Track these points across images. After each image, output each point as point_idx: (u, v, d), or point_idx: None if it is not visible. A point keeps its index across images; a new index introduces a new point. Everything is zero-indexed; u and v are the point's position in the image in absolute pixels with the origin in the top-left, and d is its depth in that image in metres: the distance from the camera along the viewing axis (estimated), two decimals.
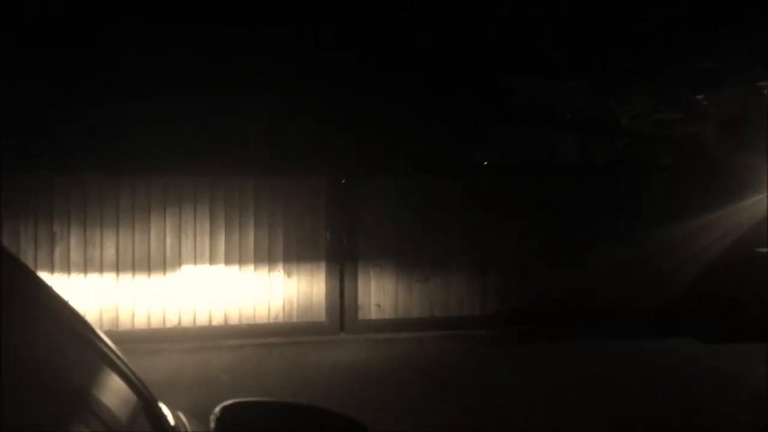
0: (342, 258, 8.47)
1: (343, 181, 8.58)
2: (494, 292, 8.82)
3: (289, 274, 8.38)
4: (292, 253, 8.37)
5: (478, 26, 8.98)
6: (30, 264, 7.56)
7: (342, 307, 8.49)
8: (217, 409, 2.14)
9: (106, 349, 2.14)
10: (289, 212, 8.38)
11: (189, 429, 2.27)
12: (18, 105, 8.28)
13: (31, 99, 8.30)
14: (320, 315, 8.45)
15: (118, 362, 2.15)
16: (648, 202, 8.94)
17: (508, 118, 9.90)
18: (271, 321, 8.34)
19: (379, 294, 8.59)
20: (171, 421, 2.17)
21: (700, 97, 9.92)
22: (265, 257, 8.32)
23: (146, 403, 2.03)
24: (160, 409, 2.13)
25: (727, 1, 8.52)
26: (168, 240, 8.14)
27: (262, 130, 8.56)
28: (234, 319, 8.26)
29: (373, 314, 8.58)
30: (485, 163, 9.60)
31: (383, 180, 8.67)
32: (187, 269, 8.18)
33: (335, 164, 8.70)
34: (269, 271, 8.34)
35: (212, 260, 8.22)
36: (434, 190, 8.74)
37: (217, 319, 8.24)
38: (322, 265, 8.43)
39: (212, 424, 2.10)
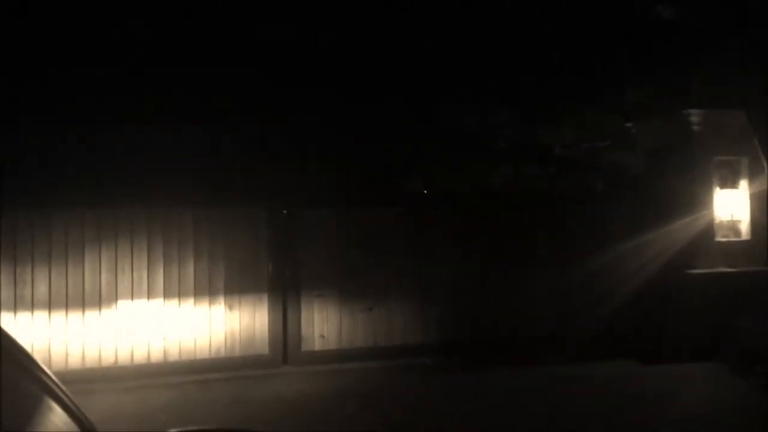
0: (284, 289, 8.37)
1: (285, 211, 8.51)
2: (436, 320, 8.83)
3: (230, 306, 8.22)
4: (234, 285, 8.22)
5: (418, 55, 9.13)
6: None
7: (285, 339, 8.36)
8: None
9: (47, 381, 2.08)
10: (229, 244, 8.25)
11: None
12: None
13: None
14: (263, 348, 8.30)
15: (60, 393, 2.09)
16: (583, 229, 9.15)
17: (444, 147, 10.04)
18: (213, 356, 8.14)
19: (322, 324, 8.50)
20: None
21: (628, 125, 10.24)
22: (205, 290, 8.15)
23: None
24: None
25: (654, 32, 8.89)
26: (103, 275, 7.90)
27: (201, 160, 8.44)
28: (174, 355, 8.03)
29: (317, 345, 8.47)
30: (425, 192, 9.68)
31: (324, 210, 8.64)
32: (124, 305, 7.93)
33: (276, 195, 8.63)
34: (210, 304, 8.17)
35: (150, 295, 8.01)
36: (375, 219, 8.76)
37: (156, 356, 7.99)
38: (265, 297, 8.31)
39: None
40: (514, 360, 8.28)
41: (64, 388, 2.11)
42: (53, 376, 2.11)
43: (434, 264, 8.85)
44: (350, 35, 9.20)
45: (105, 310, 7.88)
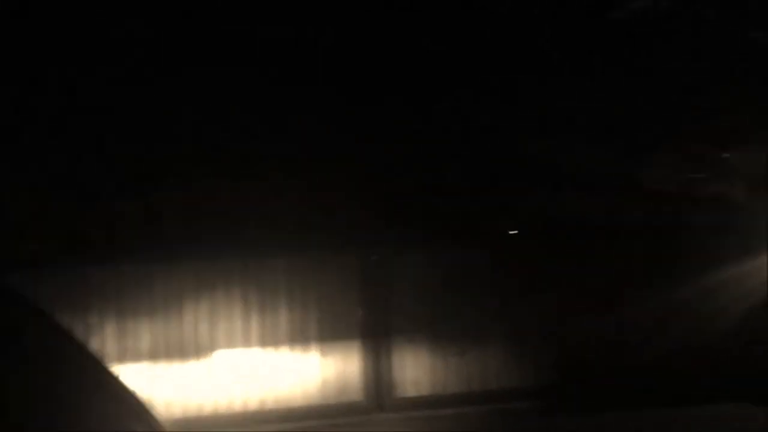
0: (377, 335, 8.39)
1: (374, 257, 8.58)
2: (531, 362, 8.63)
3: (324, 353, 8.29)
4: (327, 332, 8.30)
5: (496, 90, 9.08)
6: None
7: (379, 385, 8.35)
8: None
9: (156, 426, 2.17)
10: (321, 291, 8.36)
11: None
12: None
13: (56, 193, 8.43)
14: (357, 394, 8.30)
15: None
16: (682, 263, 8.84)
17: (533, 183, 9.88)
18: (308, 403, 8.20)
19: (416, 370, 8.45)
20: None
21: (726, 155, 9.90)
22: (299, 338, 8.26)
23: None
24: None
25: (750, 58, 8.61)
26: (201, 326, 8.13)
27: (290, 208, 8.62)
28: (270, 403, 8.14)
29: (411, 391, 8.41)
30: (515, 231, 9.55)
31: (413, 254, 8.66)
32: (221, 354, 8.13)
33: (365, 240, 8.70)
34: (304, 351, 8.26)
35: (246, 343, 8.18)
36: (464, 261, 8.70)
37: (253, 404, 8.12)
38: (357, 343, 8.35)
39: None
40: (614, 402, 7.95)
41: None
42: (160, 421, 2.19)
43: (527, 304, 8.68)
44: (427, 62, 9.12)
45: (203, 360, 8.09)
